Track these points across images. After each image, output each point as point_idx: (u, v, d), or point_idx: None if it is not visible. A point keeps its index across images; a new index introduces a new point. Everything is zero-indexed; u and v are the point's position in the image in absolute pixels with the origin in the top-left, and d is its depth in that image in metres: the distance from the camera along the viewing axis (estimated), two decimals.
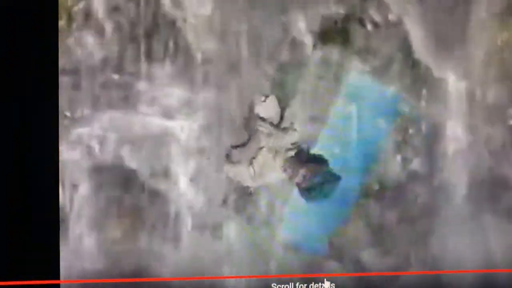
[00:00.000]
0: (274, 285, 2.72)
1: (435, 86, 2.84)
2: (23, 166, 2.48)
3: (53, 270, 2.53)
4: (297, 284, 2.73)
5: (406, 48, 2.83)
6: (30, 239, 2.49)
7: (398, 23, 2.82)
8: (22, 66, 2.50)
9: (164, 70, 2.66)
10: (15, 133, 2.49)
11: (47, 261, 2.52)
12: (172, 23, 2.68)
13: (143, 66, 2.66)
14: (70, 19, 2.60)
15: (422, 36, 2.84)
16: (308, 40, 2.77)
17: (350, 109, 2.80)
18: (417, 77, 2.84)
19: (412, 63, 2.84)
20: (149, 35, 2.66)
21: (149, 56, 2.66)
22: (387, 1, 2.81)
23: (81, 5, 2.61)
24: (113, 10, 2.64)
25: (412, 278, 2.78)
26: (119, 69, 2.64)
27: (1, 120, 2.47)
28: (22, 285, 2.48)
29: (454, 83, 2.85)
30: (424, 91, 2.84)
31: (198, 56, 2.69)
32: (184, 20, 2.69)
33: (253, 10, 2.74)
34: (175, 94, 2.67)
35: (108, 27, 2.64)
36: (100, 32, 2.63)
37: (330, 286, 2.74)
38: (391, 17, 2.82)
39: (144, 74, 2.66)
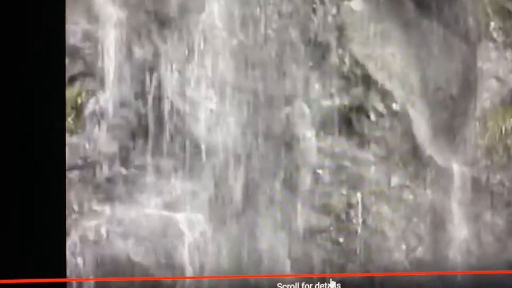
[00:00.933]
0: (279, 285, 2.74)
1: (439, 174, 2.87)
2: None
3: (59, 268, 2.57)
4: (302, 284, 2.75)
5: (410, 137, 2.87)
6: (36, 237, 2.53)
7: (402, 113, 2.86)
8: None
9: (170, 163, 2.72)
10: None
11: (53, 259, 2.56)
12: (180, 117, 2.74)
13: (150, 159, 2.71)
14: (77, 116, 2.67)
15: (426, 125, 2.87)
16: (310, 130, 2.81)
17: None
18: (421, 165, 2.86)
19: (416, 152, 2.87)
20: (156, 129, 2.72)
21: (156, 150, 2.72)
22: (391, 91, 2.85)
23: (89, 102, 2.68)
24: (121, 106, 2.70)
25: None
26: (125, 163, 2.70)
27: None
28: (27, 283, 2.52)
29: (458, 170, 2.87)
30: (428, 179, 2.86)
31: (204, 149, 2.74)
32: (191, 114, 2.75)
33: (257, 103, 2.79)
34: (181, 187, 2.72)
35: (116, 122, 2.70)
36: (107, 127, 2.69)
37: (336, 286, 2.75)
38: (395, 106, 2.86)
39: (151, 168, 2.71)
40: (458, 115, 2.89)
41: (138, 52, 2.72)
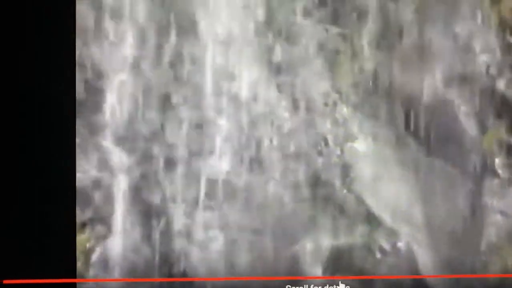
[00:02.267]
0: (288, 287, 2.76)
1: None
2: None
3: (69, 268, 2.63)
4: (311, 286, 2.77)
5: (415, 274, 2.89)
6: (46, 237, 2.58)
7: (407, 250, 2.89)
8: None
9: None
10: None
11: (63, 259, 2.61)
12: (187, 260, 2.80)
13: None
14: (87, 261, 2.74)
15: (432, 261, 2.90)
16: (317, 269, 2.86)
17: None
18: None
19: None
20: (164, 272, 2.79)
21: None
22: (396, 229, 2.89)
23: (97, 247, 2.76)
24: (130, 251, 2.78)
25: None
26: None
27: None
28: (38, 283, 2.57)
29: None
30: None
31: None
32: (198, 256, 2.81)
33: (263, 243, 2.85)
34: None
35: (124, 266, 2.77)
36: (115, 271, 2.77)
37: None
38: (400, 244, 2.89)
39: None
40: (464, 251, 2.91)
41: (146, 197, 2.79)
